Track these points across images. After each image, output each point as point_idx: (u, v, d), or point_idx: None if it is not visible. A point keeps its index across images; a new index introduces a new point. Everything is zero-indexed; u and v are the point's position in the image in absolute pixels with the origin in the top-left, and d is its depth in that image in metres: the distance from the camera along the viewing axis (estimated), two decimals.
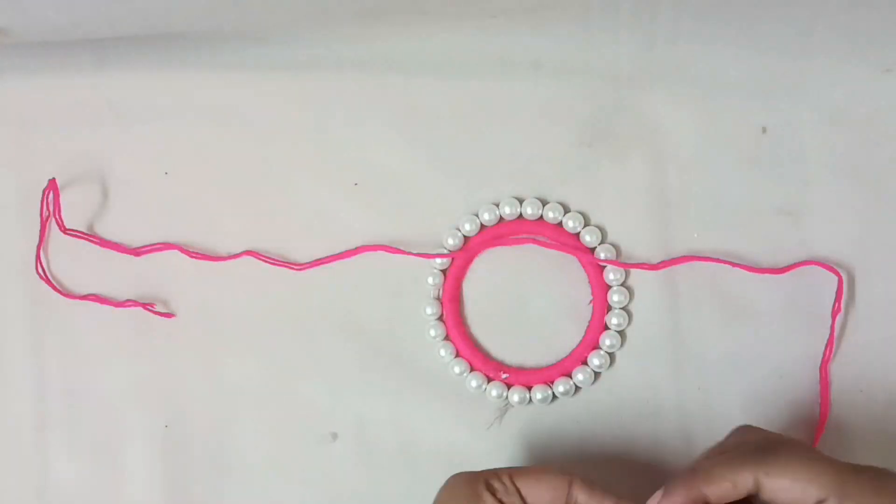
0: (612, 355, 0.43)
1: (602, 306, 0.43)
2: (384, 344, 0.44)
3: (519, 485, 0.36)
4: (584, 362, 0.43)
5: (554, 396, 0.43)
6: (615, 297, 0.43)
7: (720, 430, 0.37)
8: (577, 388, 0.43)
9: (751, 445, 0.34)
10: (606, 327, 0.43)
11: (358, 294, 0.44)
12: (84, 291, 0.45)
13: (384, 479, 0.44)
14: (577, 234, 0.43)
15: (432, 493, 0.37)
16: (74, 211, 0.45)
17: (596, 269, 0.43)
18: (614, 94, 0.44)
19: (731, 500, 0.32)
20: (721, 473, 0.32)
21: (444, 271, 0.44)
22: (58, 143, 0.46)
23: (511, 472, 0.36)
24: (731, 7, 0.43)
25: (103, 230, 0.46)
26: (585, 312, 0.43)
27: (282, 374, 0.44)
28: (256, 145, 0.46)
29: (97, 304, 0.45)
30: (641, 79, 0.44)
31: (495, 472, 0.36)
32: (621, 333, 0.43)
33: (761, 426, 0.36)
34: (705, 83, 0.44)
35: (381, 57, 0.45)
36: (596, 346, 0.43)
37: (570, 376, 0.43)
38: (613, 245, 0.43)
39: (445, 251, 0.44)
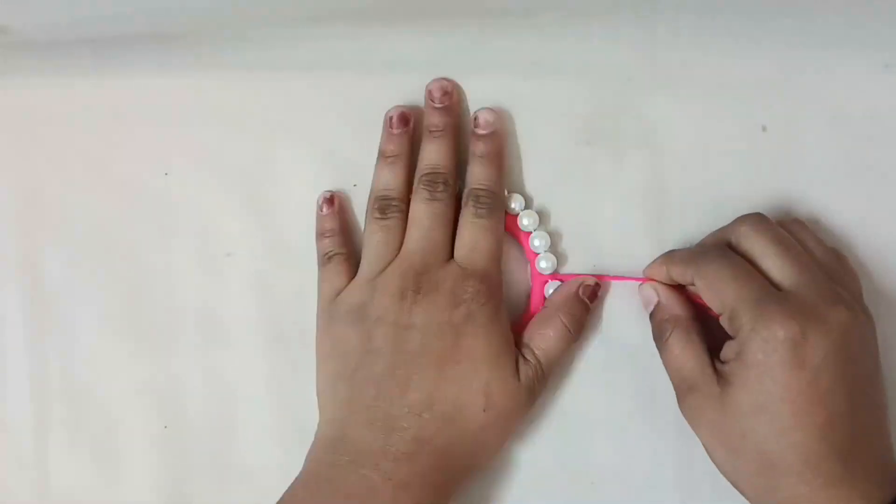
0: None
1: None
2: None
3: None
4: None
5: None
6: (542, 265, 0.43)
7: None
8: None
9: (712, 242, 0.41)
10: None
11: None
12: (84, 292, 0.45)
13: None
14: (517, 216, 0.44)
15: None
16: (74, 210, 0.46)
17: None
18: (614, 93, 0.44)
19: (687, 283, 0.40)
20: (678, 261, 0.40)
21: None
22: (58, 143, 0.46)
23: None
24: (730, 6, 0.43)
25: (103, 230, 0.46)
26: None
27: (282, 374, 0.44)
28: (256, 145, 0.46)
29: (97, 304, 0.45)
30: (641, 78, 0.44)
31: None
32: None
33: None
34: (705, 82, 0.44)
35: (381, 57, 0.45)
36: None
37: None
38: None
39: None
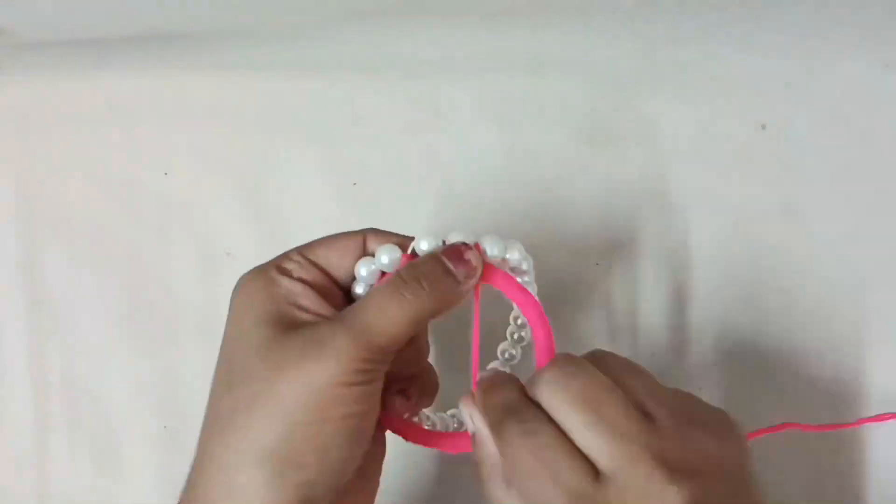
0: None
1: None
2: None
3: (312, 257, 0.33)
4: None
5: None
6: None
7: None
8: None
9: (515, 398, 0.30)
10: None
11: None
12: (84, 292, 0.45)
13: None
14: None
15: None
16: (74, 210, 0.46)
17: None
18: (614, 92, 0.44)
19: None
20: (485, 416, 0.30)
21: None
22: (58, 143, 0.46)
23: (300, 249, 0.33)
24: (730, 6, 0.43)
25: (103, 230, 0.46)
26: None
27: None
28: (256, 145, 0.46)
29: (97, 304, 0.45)
30: (641, 77, 0.44)
31: (284, 255, 0.33)
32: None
33: None
34: (705, 82, 0.44)
35: (381, 56, 0.45)
36: None
37: None
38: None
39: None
